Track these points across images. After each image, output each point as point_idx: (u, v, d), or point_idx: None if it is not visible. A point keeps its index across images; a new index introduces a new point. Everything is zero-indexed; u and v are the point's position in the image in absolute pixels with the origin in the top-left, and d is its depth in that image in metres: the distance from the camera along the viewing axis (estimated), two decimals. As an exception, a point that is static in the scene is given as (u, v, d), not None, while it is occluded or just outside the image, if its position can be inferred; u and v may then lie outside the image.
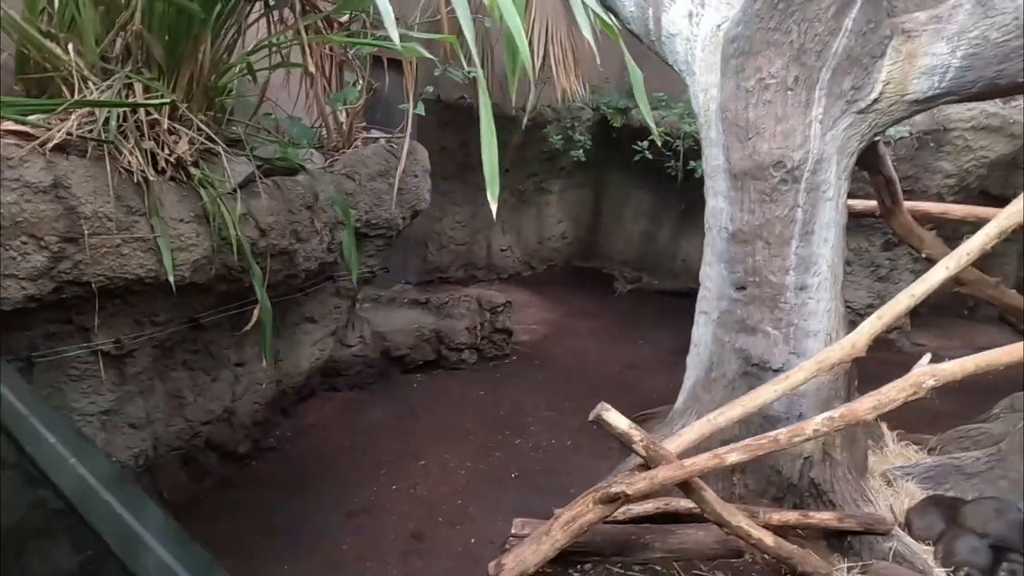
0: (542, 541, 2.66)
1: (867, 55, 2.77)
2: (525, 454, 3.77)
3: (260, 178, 2.73)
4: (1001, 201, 6.04)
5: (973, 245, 2.74)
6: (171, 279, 2.29)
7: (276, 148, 2.91)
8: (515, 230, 7.73)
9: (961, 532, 2.91)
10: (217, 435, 3.30)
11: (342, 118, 3.73)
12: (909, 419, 4.41)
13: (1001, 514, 2.87)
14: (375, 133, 3.96)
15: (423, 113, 3.65)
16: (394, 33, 1.47)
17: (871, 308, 6.00)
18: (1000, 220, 2.74)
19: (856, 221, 5.26)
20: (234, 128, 2.72)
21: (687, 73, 3.23)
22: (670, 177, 6.68)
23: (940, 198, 5.34)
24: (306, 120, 3.84)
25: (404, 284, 6.96)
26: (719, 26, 3.05)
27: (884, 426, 3.97)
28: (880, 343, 6.64)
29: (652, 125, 2.16)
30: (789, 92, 2.85)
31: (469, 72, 3.38)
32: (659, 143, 5.36)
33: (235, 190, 2.57)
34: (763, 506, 3.09)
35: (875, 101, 2.83)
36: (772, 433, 2.58)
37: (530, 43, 5.40)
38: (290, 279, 3.15)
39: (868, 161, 3.77)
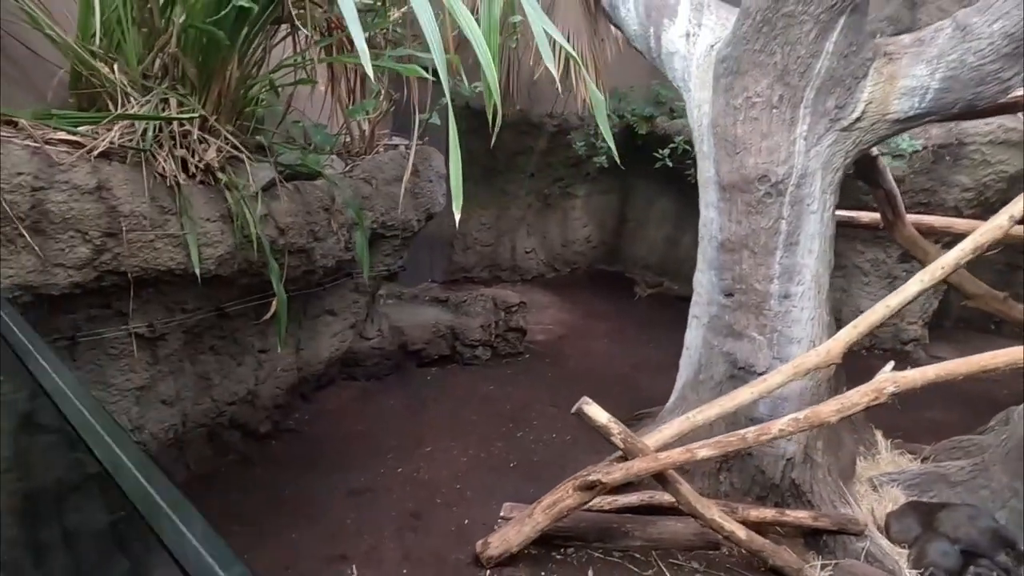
0: (525, 523, 2.87)
1: (850, 76, 2.90)
2: (525, 446, 3.98)
3: (281, 182, 3.02)
4: (1028, 216, 5.98)
5: (948, 260, 2.85)
6: (197, 271, 2.58)
7: (298, 155, 3.20)
8: (540, 233, 7.94)
9: (934, 537, 3.01)
10: (240, 415, 3.61)
11: (364, 126, 4.00)
12: (914, 429, 4.49)
13: (973, 520, 2.96)
14: (396, 140, 4.23)
15: (438, 122, 3.90)
16: (365, 59, 1.69)
17: (888, 320, 6.02)
18: (976, 236, 2.84)
19: (873, 233, 5.33)
20: (258, 137, 3.01)
21: (684, 89, 3.41)
22: (692, 185, 6.79)
23: (958, 212, 5.35)
24: (333, 128, 4.14)
25: (430, 283, 7.26)
26: (712, 46, 3.22)
27: (879, 433, 4.06)
28: (896, 355, 6.65)
29: (611, 143, 2.33)
30: (774, 110, 3.00)
31: (475, 87, 3.62)
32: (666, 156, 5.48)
33: (257, 193, 2.85)
34: (746, 503, 3.24)
35: (858, 120, 2.96)
36: (741, 432, 2.74)
37: (553, 52, 5.62)
38: (309, 274, 3.44)
39: (868, 175, 3.89)
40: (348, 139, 4.05)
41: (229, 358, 3.49)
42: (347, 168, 3.68)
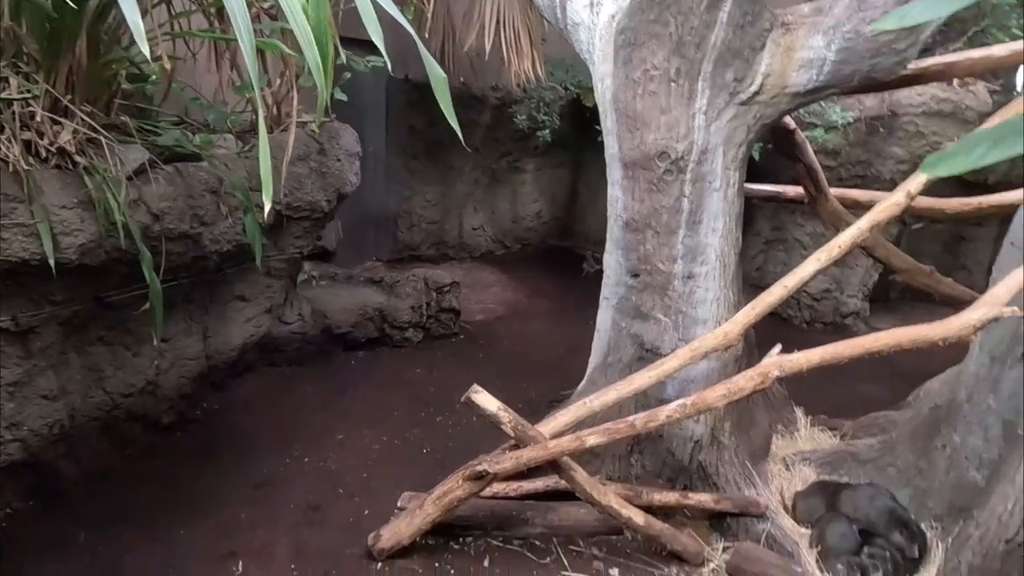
0: (416, 515, 2.80)
1: (747, 47, 2.79)
2: (443, 432, 3.91)
3: (157, 165, 2.86)
4: (974, 187, 5.99)
5: (844, 238, 2.78)
6: (51, 262, 2.43)
7: (176, 135, 3.03)
8: (488, 209, 7.80)
9: (834, 517, 2.99)
10: (140, 407, 3.49)
11: (270, 102, 3.83)
12: (845, 404, 4.48)
13: (872, 500, 2.94)
14: (306, 118, 4.05)
15: (344, 97, 3.73)
16: (144, 45, 1.55)
17: (827, 292, 6.03)
18: (873, 214, 2.77)
19: (812, 206, 5.28)
20: (123, 117, 2.83)
21: (589, 62, 3.27)
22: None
23: (894, 184, 5.29)
24: (241, 106, 3.95)
25: (375, 262, 7.12)
26: (613, 16, 3.08)
27: (799, 411, 4.03)
28: (837, 328, 6.64)
29: (453, 121, 2.19)
30: (672, 84, 2.88)
31: (368, 61, 3.46)
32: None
33: (125, 177, 2.69)
34: (652, 487, 3.19)
35: (757, 93, 2.85)
36: (630, 418, 2.68)
37: (480, 26, 5.44)
38: (200, 260, 3.29)
39: (787, 149, 3.80)
40: (254, 117, 3.86)
41: (123, 348, 3.35)
42: (245, 148, 3.51)
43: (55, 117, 2.46)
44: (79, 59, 2.44)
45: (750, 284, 5.74)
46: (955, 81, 5.16)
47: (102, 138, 2.55)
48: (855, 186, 4.98)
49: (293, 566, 2.77)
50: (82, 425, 3.23)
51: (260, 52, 3.65)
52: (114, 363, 3.32)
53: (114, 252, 2.76)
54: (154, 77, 3.37)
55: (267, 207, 1.78)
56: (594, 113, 6.75)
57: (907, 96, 4.91)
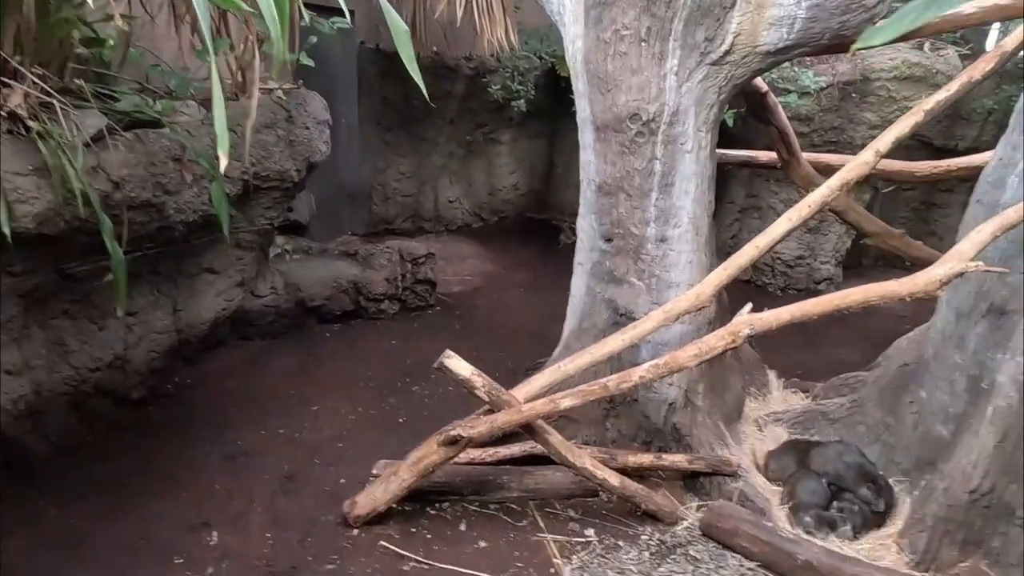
0: (391, 481, 2.80)
1: (718, 5, 2.76)
2: (419, 401, 3.90)
3: (116, 131, 2.77)
4: (944, 152, 6.04)
5: (815, 198, 2.79)
6: (6, 231, 2.35)
7: (136, 101, 2.94)
8: (464, 181, 7.72)
9: (805, 474, 3.05)
10: (109, 381, 3.42)
11: (234, 67, 3.73)
12: (817, 367, 4.55)
13: (841, 456, 3.00)
14: (272, 84, 3.95)
15: (311, 63, 3.64)
16: None
17: (801, 259, 6.09)
18: (842, 173, 2.78)
19: (786, 172, 5.29)
20: (78, 80, 2.74)
21: (560, 23, 3.22)
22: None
23: (867, 149, 5.34)
24: (205, 71, 3.84)
25: (350, 236, 7.03)
26: (583, -25, 3.03)
27: (772, 374, 4.09)
28: (811, 294, 6.73)
29: (419, 81, 2.14)
30: (643, 43, 2.85)
31: (333, 23, 3.37)
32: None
33: (82, 144, 2.61)
34: (628, 450, 3.22)
35: (728, 52, 2.83)
36: (603, 380, 2.69)
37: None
38: (165, 231, 3.22)
39: (759, 113, 3.79)
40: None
41: (88, 322, 3.28)
42: (209, 114, 3.41)
43: (3, 79, 2.37)
44: (27, 17, 2.34)
45: (725, 253, 5.74)
46: (926, 46, 5.19)
47: (56, 102, 2.46)
48: (828, 152, 5.01)
49: (268, 535, 2.76)
50: (49, 400, 3.17)
51: (223, 15, 3.56)
52: (79, 337, 3.25)
53: (74, 221, 2.68)
54: (112, 42, 3.25)
55: (223, 162, 1.73)
56: (570, 83, 6.69)
57: (879, 61, 4.92)
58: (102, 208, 2.64)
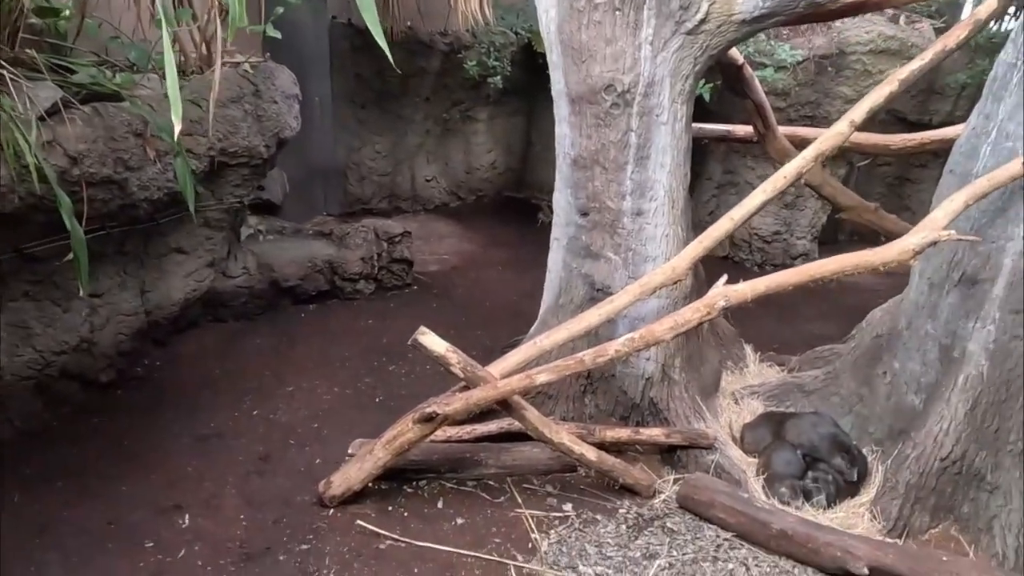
0: (366, 460, 2.77)
1: (692, -27, 2.71)
2: (395, 380, 3.86)
3: (72, 104, 2.67)
4: (918, 126, 6.06)
5: (789, 169, 2.77)
6: (-43, 208, 2.26)
7: (92, 73, 2.83)
8: (441, 160, 7.62)
9: (780, 445, 3.07)
10: (75, 365, 3.33)
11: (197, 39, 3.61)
12: (793, 341, 4.59)
13: (815, 427, 3.02)
14: (239, 58, 3.84)
15: (278, 35, 3.54)
16: None
17: (777, 235, 6.11)
18: (817, 144, 2.77)
19: (763, 148, 5.28)
20: (29, 50, 2.62)
21: (533, -7, 3.15)
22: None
23: (842, 124, 5.35)
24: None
25: (325, 216, 6.92)
26: (556, -59, 2.96)
27: (748, 348, 4.10)
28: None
29: (384, 45, 2.07)
30: (617, 12, 2.79)
31: (300, -7, 3.29)
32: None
33: (40, 117, 2.51)
34: (605, 425, 3.22)
35: (702, 21, 2.79)
36: (579, 354, 2.67)
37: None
38: (128, 208, 3.12)
39: (735, 86, 3.76)
40: (183, 57, 3.64)
41: (51, 304, 3.18)
42: (172, 89, 3.30)
43: (-50, 49, 2.26)
44: (-28, -16, 2.23)
45: (702, 229, 5.74)
46: (901, 19, 5.18)
47: (6, 73, 2.36)
48: (804, 126, 5.00)
49: (242, 516, 2.72)
50: (12, 384, 3.08)
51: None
52: (42, 319, 3.16)
53: (29, 198, 2.58)
54: (67, 12, 3.13)
55: (176, 127, 1.66)
56: (547, 60, 6.62)
57: (855, 34, 4.91)
58: (59, 184, 2.55)
